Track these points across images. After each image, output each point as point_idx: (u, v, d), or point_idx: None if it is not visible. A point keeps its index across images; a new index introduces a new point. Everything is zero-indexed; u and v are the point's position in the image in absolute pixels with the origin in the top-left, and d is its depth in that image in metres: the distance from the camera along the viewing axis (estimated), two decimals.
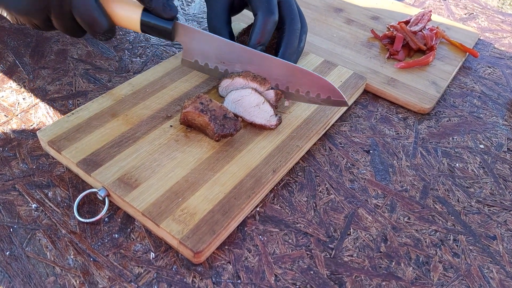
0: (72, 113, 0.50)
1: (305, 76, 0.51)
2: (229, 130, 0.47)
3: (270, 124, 0.50)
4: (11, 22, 0.48)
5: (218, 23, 0.56)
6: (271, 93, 0.51)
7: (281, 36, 0.55)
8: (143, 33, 0.49)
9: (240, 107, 0.51)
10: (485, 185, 0.51)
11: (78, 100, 0.56)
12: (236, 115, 0.49)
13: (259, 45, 0.52)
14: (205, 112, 0.47)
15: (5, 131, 0.51)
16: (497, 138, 0.58)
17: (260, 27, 0.52)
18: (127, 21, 0.49)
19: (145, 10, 0.48)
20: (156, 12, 0.48)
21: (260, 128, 0.51)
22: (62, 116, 0.53)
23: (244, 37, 0.58)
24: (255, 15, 0.53)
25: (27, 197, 0.45)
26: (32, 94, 0.56)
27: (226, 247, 0.42)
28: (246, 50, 0.51)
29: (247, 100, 0.51)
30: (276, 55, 0.54)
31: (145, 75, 0.56)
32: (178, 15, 0.51)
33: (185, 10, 0.76)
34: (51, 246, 0.41)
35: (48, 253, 0.40)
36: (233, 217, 0.42)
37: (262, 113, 0.50)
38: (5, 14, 0.47)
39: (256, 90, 0.51)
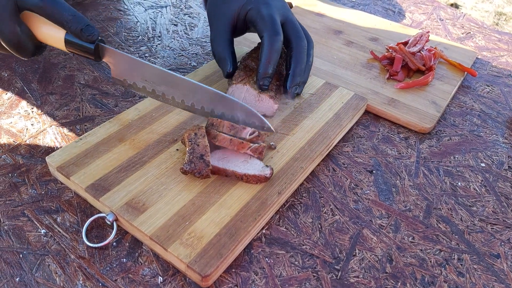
0: (80, 139, 0.51)
1: (226, 102, 0.50)
2: (195, 169, 0.46)
3: (265, 174, 0.48)
4: None
5: (221, 45, 0.58)
6: (249, 152, 0.50)
7: (290, 55, 0.57)
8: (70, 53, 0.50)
9: (229, 163, 0.48)
10: (487, 203, 0.52)
11: (85, 125, 0.57)
12: (226, 170, 0.48)
13: (270, 64, 0.54)
14: (190, 142, 0.47)
15: (14, 157, 0.52)
16: (497, 156, 0.59)
17: (268, 47, 0.54)
18: (53, 41, 0.50)
19: None
20: (76, 36, 0.48)
21: (255, 180, 0.48)
22: (70, 141, 0.54)
23: (248, 61, 0.59)
24: (261, 37, 0.55)
25: (36, 223, 0.45)
26: (40, 120, 0.57)
27: (233, 270, 0.43)
28: (167, 74, 0.51)
29: (233, 157, 0.49)
30: (287, 73, 0.56)
31: (151, 100, 0.58)
32: (102, 37, 0.52)
33: (188, 35, 0.77)
34: (61, 271, 0.41)
35: (57, 279, 0.41)
36: (239, 240, 0.42)
37: (253, 166, 0.48)
38: None
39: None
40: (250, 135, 0.50)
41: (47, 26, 0.49)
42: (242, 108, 0.50)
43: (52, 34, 0.49)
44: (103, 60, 0.52)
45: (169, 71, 0.51)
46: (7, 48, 0.49)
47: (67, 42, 0.49)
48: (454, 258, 0.46)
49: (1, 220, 0.45)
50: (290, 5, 0.87)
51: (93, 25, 0.49)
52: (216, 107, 0.51)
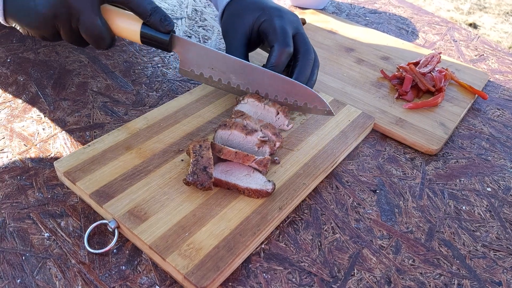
0: (88, 145, 0.52)
1: (292, 86, 0.54)
2: (197, 181, 0.46)
3: (267, 189, 0.48)
4: (23, 33, 0.53)
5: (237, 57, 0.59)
6: (254, 165, 0.50)
7: (295, 65, 0.58)
8: (143, 45, 0.54)
9: (231, 176, 0.49)
10: (491, 229, 0.51)
11: (95, 132, 0.58)
12: (228, 183, 0.48)
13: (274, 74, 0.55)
14: (194, 154, 0.48)
15: (24, 160, 0.53)
16: (504, 181, 0.58)
17: (275, 57, 0.56)
18: (128, 34, 0.53)
19: (144, 23, 0.53)
20: (154, 26, 0.52)
21: (257, 195, 0.48)
22: (79, 147, 0.55)
23: None
24: (271, 47, 0.56)
25: (40, 226, 0.46)
26: (51, 125, 0.59)
27: (230, 283, 0.43)
28: (237, 61, 0.53)
29: (236, 170, 0.49)
30: None
31: (160, 110, 0.59)
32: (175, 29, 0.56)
33: None
34: (61, 275, 0.42)
35: (57, 283, 0.41)
36: (238, 254, 0.42)
37: (256, 180, 0.48)
38: (18, 27, 0.52)
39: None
40: (261, 137, 0.51)
41: (123, 19, 0.52)
42: (308, 93, 0.53)
43: (127, 27, 0.52)
44: (173, 50, 0.55)
45: (239, 59, 0.53)
46: (87, 39, 0.52)
47: (142, 34, 0.52)
48: (454, 284, 0.45)
49: (7, 221, 0.46)
50: (304, 22, 0.88)
51: (170, 16, 0.52)
52: (282, 94, 0.55)
